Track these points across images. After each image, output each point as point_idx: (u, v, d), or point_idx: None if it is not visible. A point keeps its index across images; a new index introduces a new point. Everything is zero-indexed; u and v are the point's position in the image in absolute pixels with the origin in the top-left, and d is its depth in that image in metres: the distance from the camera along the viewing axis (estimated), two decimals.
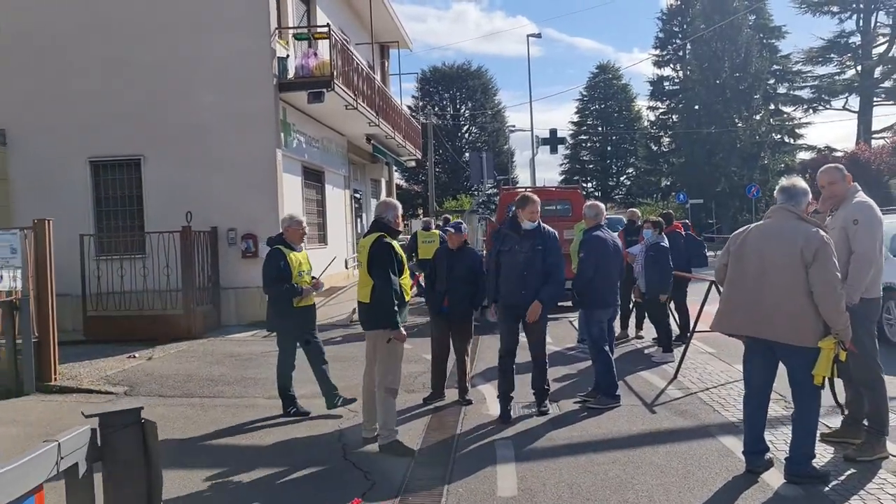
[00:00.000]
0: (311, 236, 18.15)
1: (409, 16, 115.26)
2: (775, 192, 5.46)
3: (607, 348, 7.92)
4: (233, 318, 14.66)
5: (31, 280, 9.42)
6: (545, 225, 7.54)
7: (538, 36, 39.01)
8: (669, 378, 8.89)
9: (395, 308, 6.25)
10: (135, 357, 11.33)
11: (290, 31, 16.03)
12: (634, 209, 13.04)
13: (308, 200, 17.82)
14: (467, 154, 53.48)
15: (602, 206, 8.44)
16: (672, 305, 11.03)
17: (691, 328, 9.19)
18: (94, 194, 15.04)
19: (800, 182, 5.40)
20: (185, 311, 13.34)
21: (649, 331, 11.36)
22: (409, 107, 54.03)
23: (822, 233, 5.09)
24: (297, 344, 7.88)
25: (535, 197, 7.46)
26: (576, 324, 12.87)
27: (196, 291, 13.64)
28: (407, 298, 6.60)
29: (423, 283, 10.80)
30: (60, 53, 14.85)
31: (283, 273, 7.56)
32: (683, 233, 11.51)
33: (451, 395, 8.20)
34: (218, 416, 7.88)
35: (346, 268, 18.08)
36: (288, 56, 15.31)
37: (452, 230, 8.16)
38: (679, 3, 59.23)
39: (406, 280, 6.61)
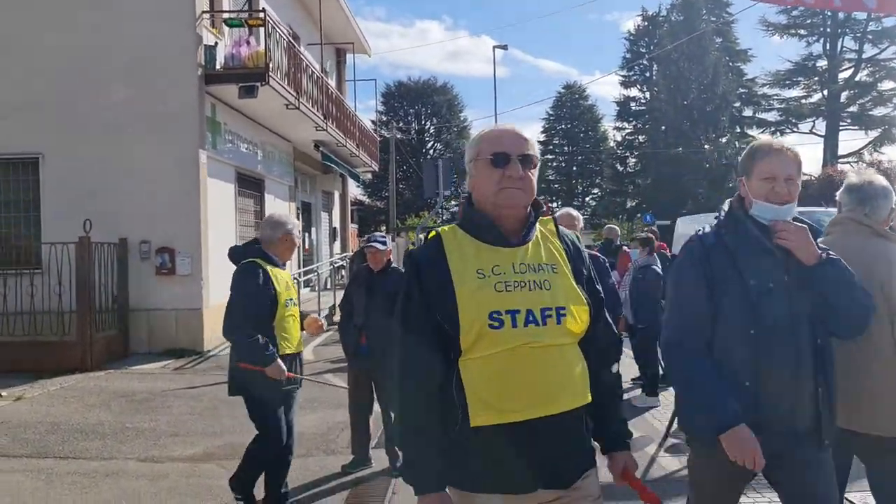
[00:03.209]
0: None
1: (373, 32, 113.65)
2: (838, 194, 3.54)
3: None
4: (143, 346, 12.55)
5: None
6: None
7: (504, 48, 37.43)
8: (658, 436, 7.03)
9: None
10: (1, 396, 9.22)
11: (222, 17, 14.03)
12: (613, 226, 11.21)
13: (243, 211, 15.80)
14: None
15: (577, 214, 6.49)
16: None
17: None
18: None
19: (878, 179, 3.33)
20: (79, 338, 11.24)
21: (625, 368, 9.49)
22: (373, 121, 52.26)
23: None
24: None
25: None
26: None
27: (96, 314, 11.57)
28: None
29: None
30: None
31: (265, 300, 4.83)
32: (670, 254, 9.67)
33: (380, 458, 6.26)
34: (62, 492, 5.82)
35: None
36: (217, 44, 13.33)
37: (378, 245, 6.19)
38: (646, 24, 58.50)
39: None
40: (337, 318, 17.68)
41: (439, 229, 2.48)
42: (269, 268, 4.90)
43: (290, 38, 15.48)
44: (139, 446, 7.07)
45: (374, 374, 6.13)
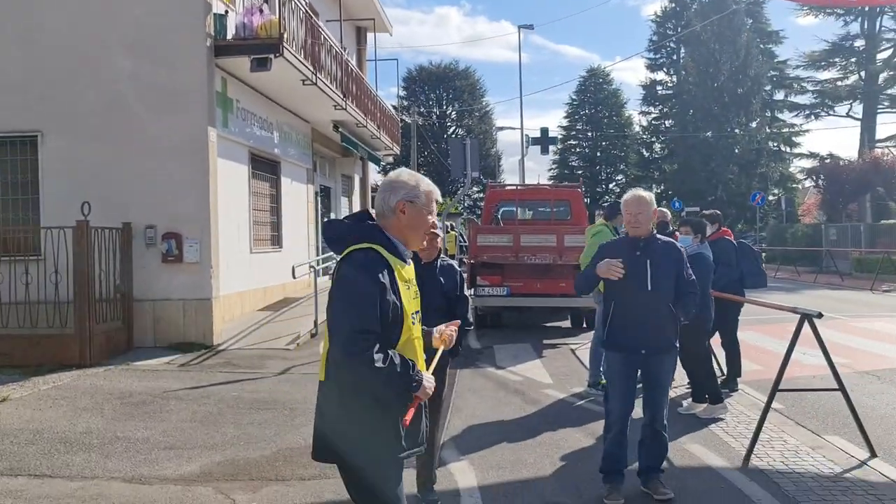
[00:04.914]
0: (263, 237, 15.27)
1: (393, 18, 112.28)
2: None
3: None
4: (149, 339, 11.60)
5: None
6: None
7: (530, 27, 36.29)
8: (737, 458, 5.96)
9: None
10: None
11: None
12: (663, 209, 10.09)
13: (257, 195, 14.85)
14: None
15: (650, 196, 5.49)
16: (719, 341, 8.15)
17: (774, 382, 6.11)
18: None
19: None
20: (77, 331, 10.33)
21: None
22: (394, 106, 51.28)
23: None
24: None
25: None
26: (581, 354, 9.99)
27: (96, 305, 10.64)
28: None
29: None
30: None
31: (386, 311, 2.95)
32: (735, 241, 8.52)
33: (408, 480, 5.26)
34: None
35: (294, 277, 14.63)
36: (227, 13, 12.32)
37: (438, 231, 5.06)
38: (673, 5, 56.99)
39: None
40: None
41: None
42: (393, 261, 3.05)
43: (307, 8, 14.46)
44: (127, 461, 6.11)
45: None
